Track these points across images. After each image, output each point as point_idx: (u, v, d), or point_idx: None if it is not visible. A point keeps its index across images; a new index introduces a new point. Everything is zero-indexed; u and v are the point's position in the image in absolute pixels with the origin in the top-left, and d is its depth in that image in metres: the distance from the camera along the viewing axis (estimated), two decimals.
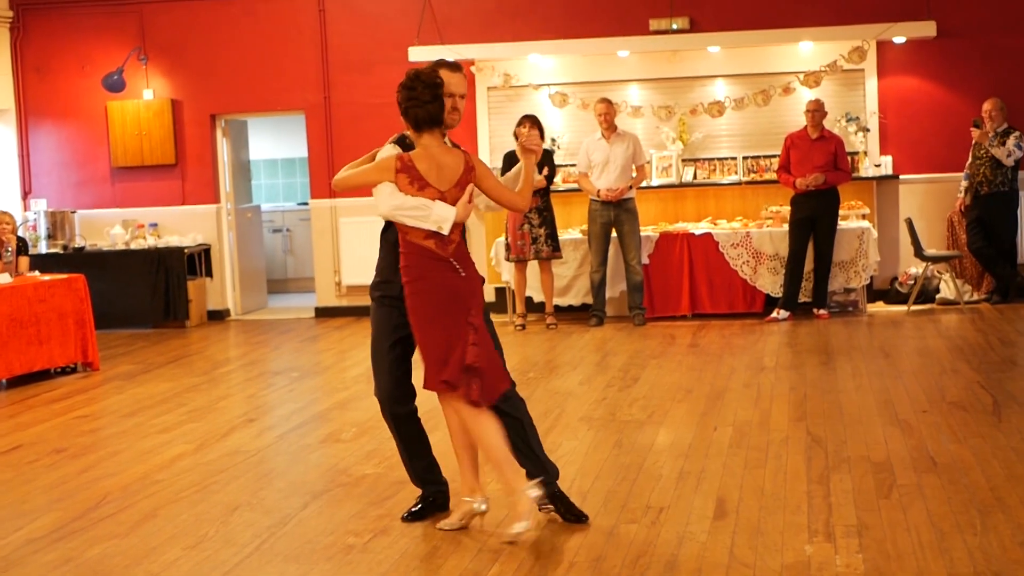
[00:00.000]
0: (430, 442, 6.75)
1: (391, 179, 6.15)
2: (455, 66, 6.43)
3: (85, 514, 7.09)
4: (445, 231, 6.13)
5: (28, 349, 11.57)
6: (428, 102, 6.15)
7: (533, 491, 6.14)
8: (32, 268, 12.84)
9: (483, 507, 6.42)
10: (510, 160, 13.30)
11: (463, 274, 6.22)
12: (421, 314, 6.22)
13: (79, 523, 6.91)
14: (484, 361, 6.21)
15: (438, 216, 6.13)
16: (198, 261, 15.53)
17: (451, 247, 6.19)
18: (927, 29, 14.13)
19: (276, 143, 19.02)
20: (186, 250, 15.23)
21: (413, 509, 6.68)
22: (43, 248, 15.22)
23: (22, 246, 12.70)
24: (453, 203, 6.16)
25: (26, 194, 15.93)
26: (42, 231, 15.34)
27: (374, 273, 6.54)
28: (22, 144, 15.96)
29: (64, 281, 12.13)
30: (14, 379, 11.62)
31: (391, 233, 6.37)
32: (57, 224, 15.42)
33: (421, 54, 14.38)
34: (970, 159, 13.98)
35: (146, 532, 6.68)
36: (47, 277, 12.22)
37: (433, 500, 6.69)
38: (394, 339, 6.47)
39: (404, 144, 6.33)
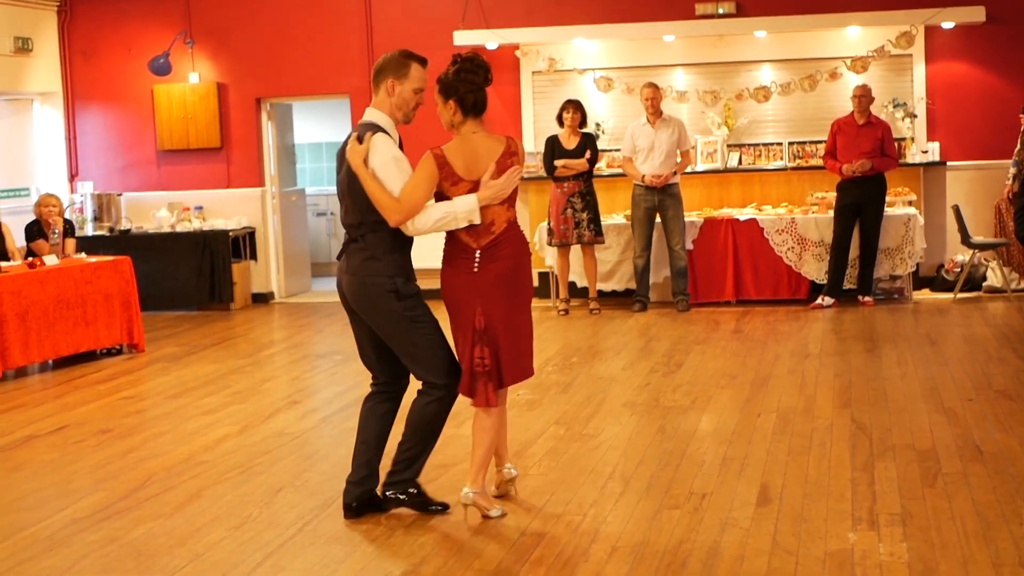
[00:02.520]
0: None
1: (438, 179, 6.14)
2: (423, 60, 6.37)
3: (130, 494, 7.14)
4: (477, 220, 6.10)
5: (74, 330, 11.64)
6: (481, 87, 6.19)
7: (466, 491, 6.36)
8: (78, 250, 12.94)
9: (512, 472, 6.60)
10: (552, 145, 13.32)
11: (476, 270, 6.18)
12: (446, 304, 6.33)
13: (124, 503, 6.96)
14: (490, 362, 6.21)
15: (463, 212, 6.10)
16: (243, 244, 15.59)
17: (486, 238, 6.16)
18: (976, 14, 14.00)
19: (321, 126, 19.05)
20: (231, 233, 15.29)
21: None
22: (89, 230, 15.31)
23: (69, 228, 12.79)
24: None
25: (73, 177, 16.03)
26: (88, 213, 15.43)
27: None
28: (69, 127, 16.06)
29: (110, 263, 12.20)
30: (60, 360, 11.71)
31: None
32: (103, 206, 15.52)
33: (466, 38, 14.36)
34: (1019, 145, 13.83)
35: (190, 513, 6.72)
36: (93, 259, 12.29)
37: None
38: None
39: (377, 128, 6.21)
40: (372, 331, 6.36)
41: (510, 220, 6.23)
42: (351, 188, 6.19)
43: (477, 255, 6.16)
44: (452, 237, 6.22)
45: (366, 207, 6.14)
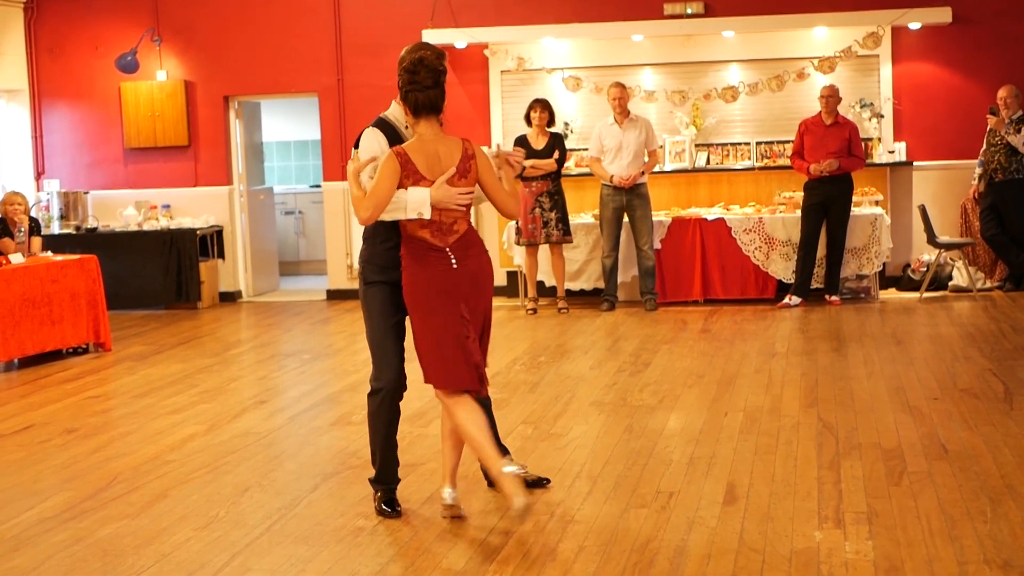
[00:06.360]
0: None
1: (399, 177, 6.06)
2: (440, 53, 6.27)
3: (96, 494, 7.11)
4: (426, 215, 6.01)
5: (40, 329, 11.59)
6: (429, 87, 6.07)
7: (509, 467, 6.04)
8: (45, 249, 12.86)
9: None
10: (520, 144, 13.28)
11: (455, 266, 6.12)
12: (416, 305, 6.19)
13: (90, 503, 6.93)
14: (482, 353, 6.23)
15: (413, 202, 6.01)
16: (210, 243, 15.54)
17: (452, 237, 6.13)
18: (943, 15, 14.07)
19: (289, 125, 19.02)
20: (198, 231, 15.24)
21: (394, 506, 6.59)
22: (56, 229, 15.24)
23: (35, 227, 12.71)
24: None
25: (39, 175, 15.95)
26: (55, 212, 15.37)
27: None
28: (36, 125, 15.98)
29: (76, 262, 12.15)
30: (26, 359, 11.65)
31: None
32: (70, 205, 15.45)
33: (435, 37, 14.35)
34: (984, 146, 13.93)
35: (156, 513, 6.70)
36: (60, 258, 12.24)
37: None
38: (396, 320, 6.43)
39: (384, 125, 6.32)
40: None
41: (469, 222, 6.24)
42: None
43: (450, 253, 6.12)
44: (413, 238, 6.13)
45: None
